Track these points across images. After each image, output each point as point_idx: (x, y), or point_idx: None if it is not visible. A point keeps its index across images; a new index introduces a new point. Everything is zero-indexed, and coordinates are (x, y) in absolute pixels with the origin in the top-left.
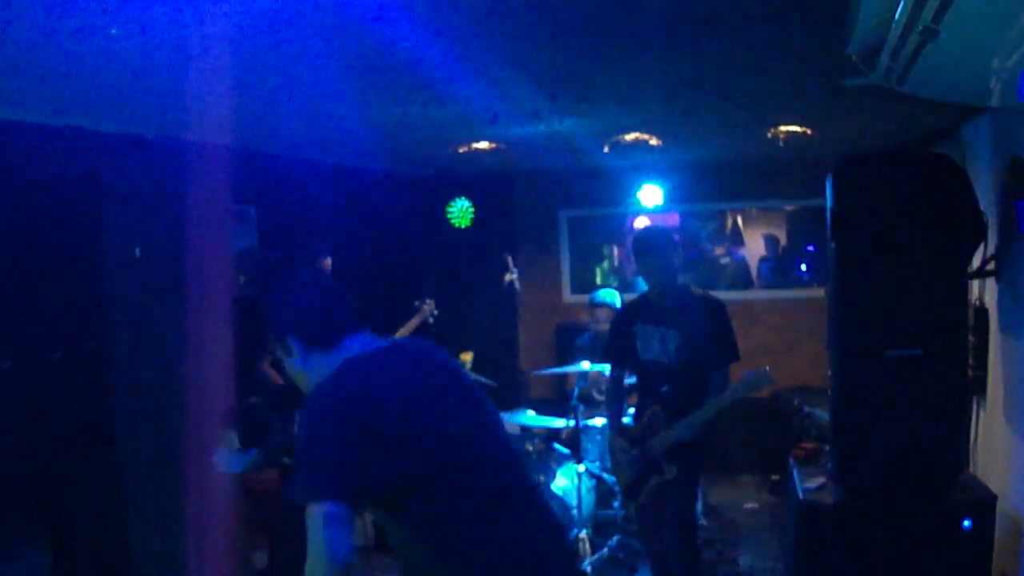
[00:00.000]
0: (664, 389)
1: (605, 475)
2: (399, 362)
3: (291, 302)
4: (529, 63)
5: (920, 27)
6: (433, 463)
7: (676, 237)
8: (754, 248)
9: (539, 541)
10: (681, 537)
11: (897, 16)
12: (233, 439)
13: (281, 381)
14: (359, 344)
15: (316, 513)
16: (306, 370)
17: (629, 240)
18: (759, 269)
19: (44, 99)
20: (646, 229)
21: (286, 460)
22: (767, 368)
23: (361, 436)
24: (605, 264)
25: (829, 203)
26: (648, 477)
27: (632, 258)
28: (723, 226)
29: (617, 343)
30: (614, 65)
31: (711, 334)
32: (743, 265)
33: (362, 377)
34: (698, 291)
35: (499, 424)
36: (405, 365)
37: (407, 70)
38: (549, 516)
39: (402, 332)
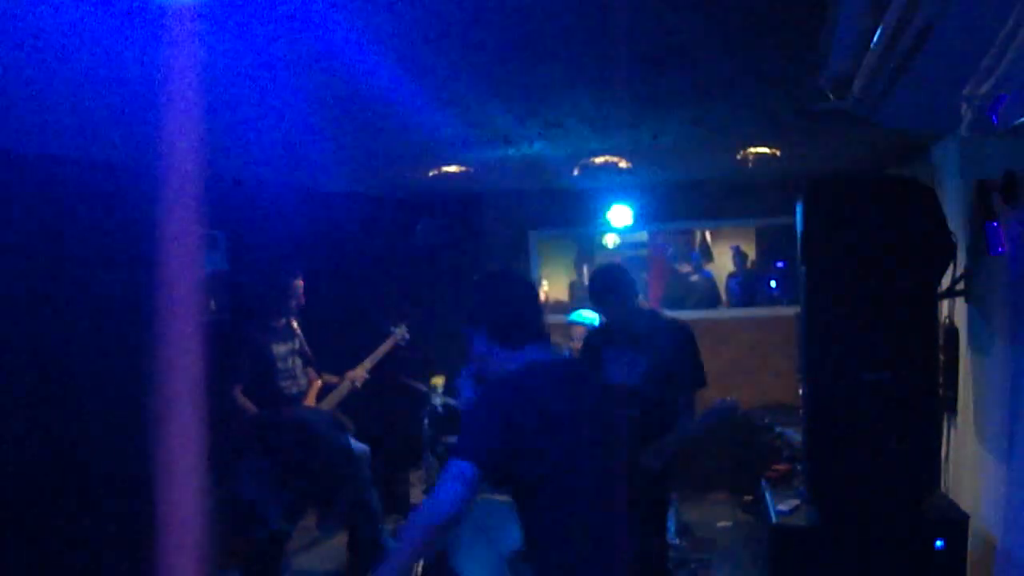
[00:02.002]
0: (631, 414)
1: None
2: (566, 377)
3: (493, 301)
4: (499, 89)
5: (893, 62)
6: (551, 472)
7: (645, 254)
8: (723, 264)
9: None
10: (651, 563)
11: (872, 48)
12: None
13: (253, 408)
14: (538, 351)
15: (449, 466)
16: (489, 357)
17: (589, 277)
18: (728, 285)
19: (15, 126)
20: (600, 270)
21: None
22: (733, 398)
23: (517, 427)
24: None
25: (800, 226)
26: None
27: (591, 297)
28: (691, 242)
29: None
30: (583, 90)
31: (678, 360)
32: (711, 283)
33: (539, 380)
34: (665, 316)
35: (619, 457)
36: (570, 381)
37: (376, 99)
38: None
39: (373, 356)
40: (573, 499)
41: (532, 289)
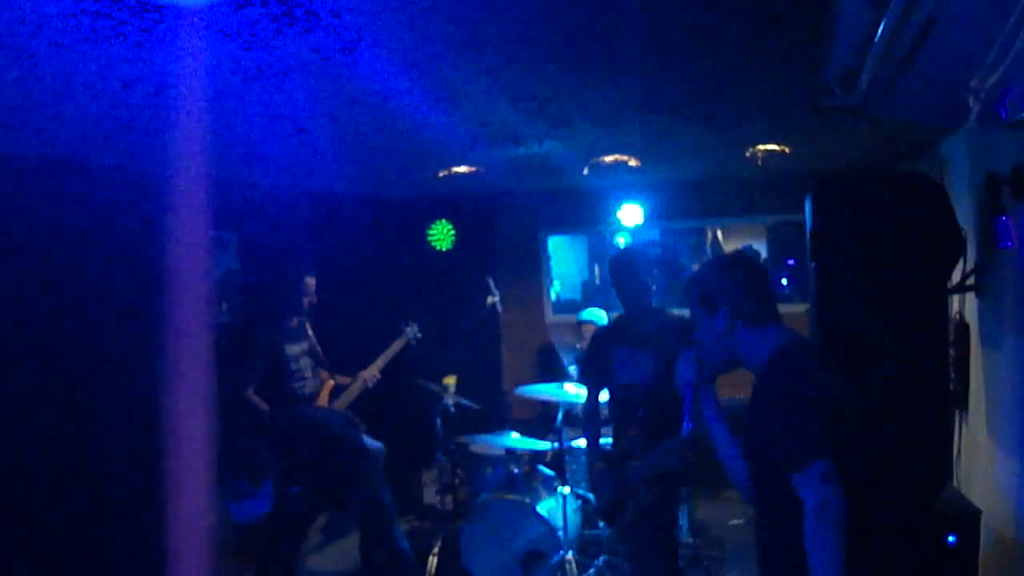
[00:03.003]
0: (641, 412)
1: (590, 495)
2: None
3: (734, 278)
4: (508, 89)
5: (898, 54)
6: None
7: (655, 253)
8: None
9: None
10: (661, 561)
11: (875, 44)
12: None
13: (265, 407)
14: (783, 331)
15: (814, 472)
16: (730, 335)
17: (609, 259)
18: None
19: (25, 131)
20: (623, 250)
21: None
22: (743, 398)
23: (832, 405)
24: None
25: (809, 222)
26: (626, 500)
27: (610, 278)
28: (703, 241)
29: (593, 366)
30: (593, 89)
31: None
32: None
33: (814, 358)
34: (674, 313)
35: None
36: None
37: (385, 99)
38: None
39: (385, 356)
40: None
41: (767, 267)
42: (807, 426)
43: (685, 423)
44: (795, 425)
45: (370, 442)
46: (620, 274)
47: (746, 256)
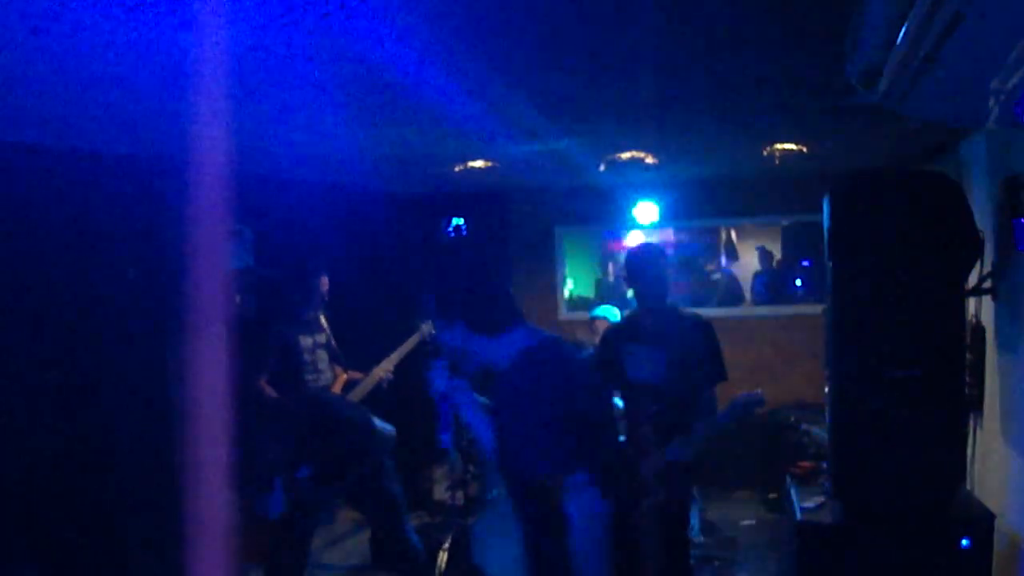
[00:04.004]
0: (653, 410)
1: None
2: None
3: (468, 290)
4: (525, 84)
5: (922, 52)
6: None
7: (670, 252)
8: (748, 262)
9: None
10: (673, 560)
11: (899, 41)
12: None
13: (275, 395)
14: (525, 336)
15: (570, 483)
16: (466, 349)
17: (625, 255)
18: (753, 284)
19: (41, 120)
20: (640, 246)
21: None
22: (759, 391)
23: (574, 415)
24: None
25: (826, 222)
26: (639, 498)
27: (625, 274)
28: (717, 241)
29: (606, 363)
30: (610, 85)
31: (699, 354)
32: (734, 281)
33: (549, 363)
34: (686, 311)
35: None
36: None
37: (403, 92)
38: None
39: (399, 352)
40: None
41: (496, 264)
42: (551, 435)
43: (442, 432)
44: (539, 435)
45: (381, 424)
46: (635, 271)
47: (478, 267)
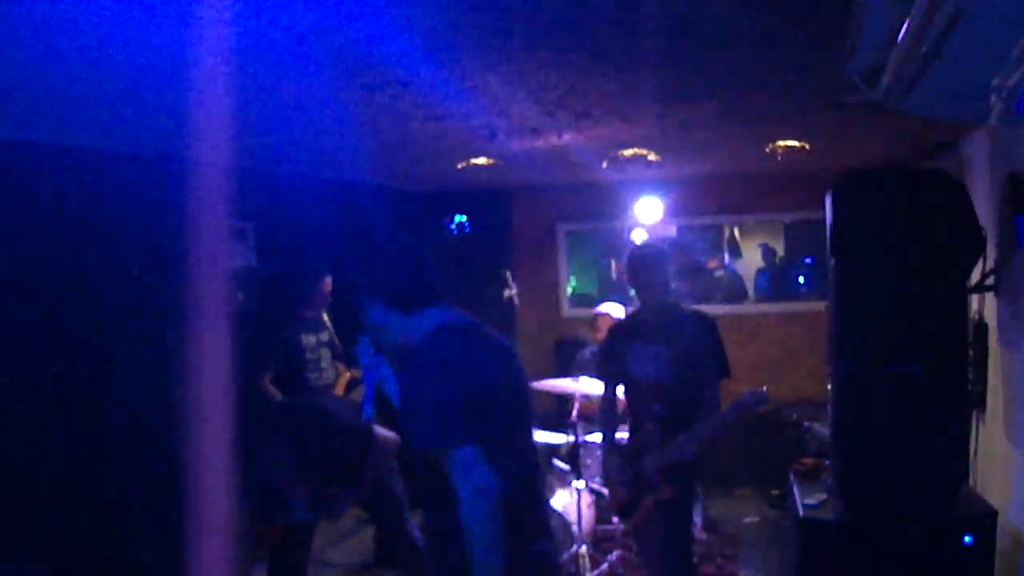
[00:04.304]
0: (656, 407)
1: (605, 490)
2: (485, 333)
3: (388, 269)
4: (528, 80)
5: (923, 49)
6: (499, 430)
7: (671, 251)
8: (751, 260)
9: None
10: (676, 556)
11: (900, 38)
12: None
13: (280, 397)
14: (441, 314)
15: (459, 456)
16: (386, 327)
17: (627, 254)
18: (756, 281)
19: (43, 118)
20: (643, 245)
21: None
22: (764, 389)
23: (474, 392)
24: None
25: (829, 219)
26: (642, 496)
27: (627, 273)
28: (720, 238)
29: (609, 361)
30: (613, 82)
31: (702, 351)
32: (737, 278)
33: (471, 340)
34: (689, 308)
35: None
36: (489, 337)
37: (405, 88)
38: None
39: None
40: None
41: (423, 249)
42: (446, 408)
43: (366, 405)
44: (434, 407)
45: (382, 431)
46: (638, 268)
47: (398, 245)
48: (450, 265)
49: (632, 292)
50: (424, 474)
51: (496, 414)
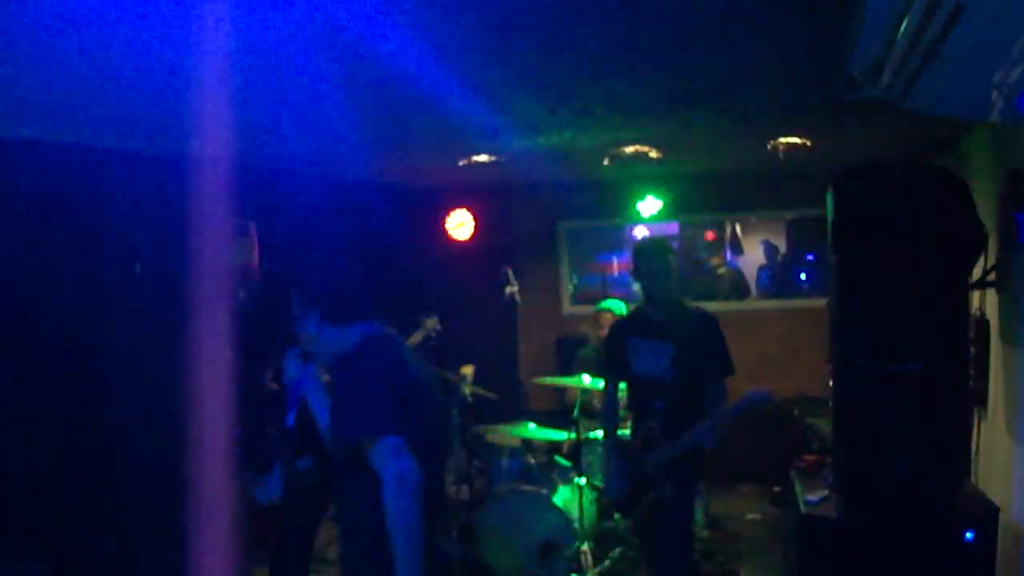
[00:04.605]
0: (659, 404)
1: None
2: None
3: (323, 283)
4: (529, 78)
5: (923, 46)
6: (420, 427)
7: (675, 245)
8: (753, 256)
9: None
10: (678, 553)
11: (901, 35)
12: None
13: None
14: (371, 328)
15: (387, 444)
16: (319, 337)
17: (630, 250)
18: (758, 277)
19: (45, 116)
20: (647, 238)
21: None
22: (768, 391)
23: (398, 390)
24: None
25: (830, 215)
26: (643, 492)
27: (632, 266)
28: (722, 235)
29: (611, 357)
30: (614, 79)
31: (705, 348)
32: (739, 275)
33: (393, 347)
34: (692, 305)
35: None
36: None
37: (406, 85)
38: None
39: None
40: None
41: (361, 265)
42: (376, 401)
43: (288, 412)
44: (365, 401)
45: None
46: (642, 263)
47: (337, 261)
48: (452, 263)
49: (636, 287)
50: (351, 462)
51: (417, 412)
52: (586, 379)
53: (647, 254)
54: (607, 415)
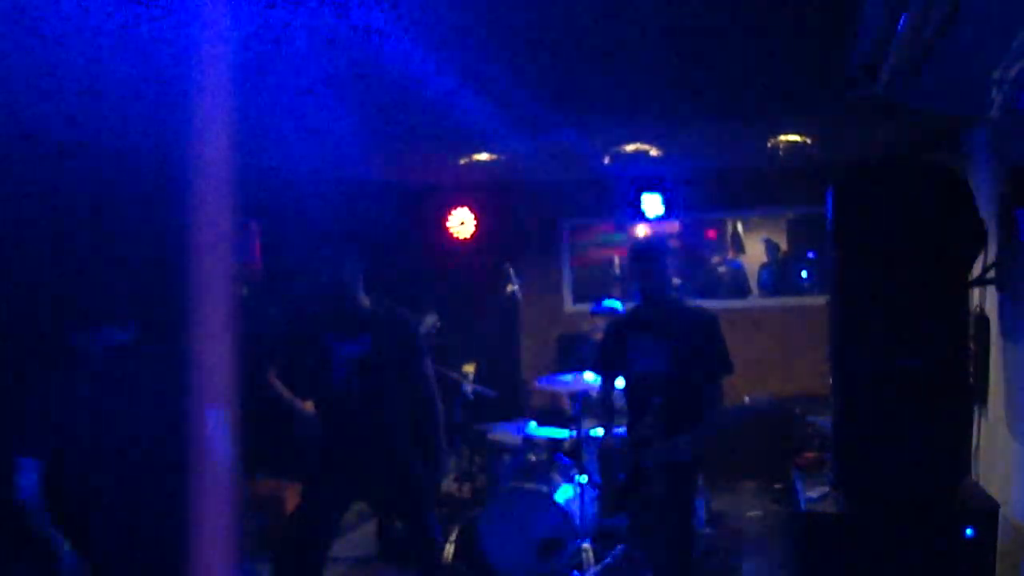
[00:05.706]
0: (656, 400)
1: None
2: None
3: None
4: (529, 76)
5: (922, 43)
6: None
7: (673, 244)
8: (754, 254)
9: None
10: (679, 550)
11: (899, 31)
12: None
13: (286, 392)
14: None
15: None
16: None
17: (629, 248)
18: (759, 276)
19: (47, 113)
20: (645, 237)
21: None
22: (771, 397)
23: None
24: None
25: (830, 214)
26: (637, 487)
27: (629, 265)
28: (723, 233)
29: (608, 353)
30: (614, 78)
31: (703, 346)
32: (740, 273)
33: None
34: (690, 304)
35: None
36: None
37: (407, 85)
38: None
39: None
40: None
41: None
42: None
43: None
44: None
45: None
46: (640, 262)
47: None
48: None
49: (634, 285)
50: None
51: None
52: (588, 376)
53: (645, 253)
54: (604, 411)
